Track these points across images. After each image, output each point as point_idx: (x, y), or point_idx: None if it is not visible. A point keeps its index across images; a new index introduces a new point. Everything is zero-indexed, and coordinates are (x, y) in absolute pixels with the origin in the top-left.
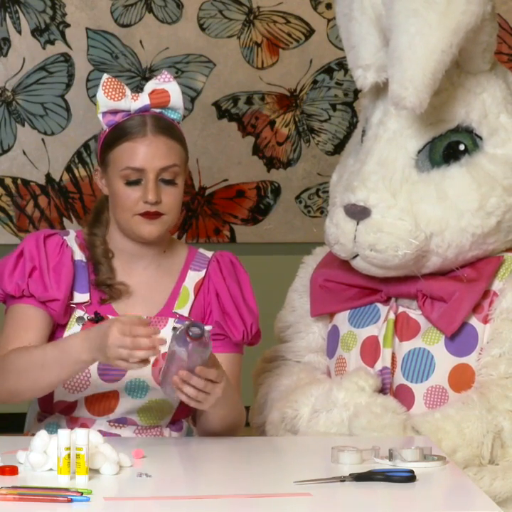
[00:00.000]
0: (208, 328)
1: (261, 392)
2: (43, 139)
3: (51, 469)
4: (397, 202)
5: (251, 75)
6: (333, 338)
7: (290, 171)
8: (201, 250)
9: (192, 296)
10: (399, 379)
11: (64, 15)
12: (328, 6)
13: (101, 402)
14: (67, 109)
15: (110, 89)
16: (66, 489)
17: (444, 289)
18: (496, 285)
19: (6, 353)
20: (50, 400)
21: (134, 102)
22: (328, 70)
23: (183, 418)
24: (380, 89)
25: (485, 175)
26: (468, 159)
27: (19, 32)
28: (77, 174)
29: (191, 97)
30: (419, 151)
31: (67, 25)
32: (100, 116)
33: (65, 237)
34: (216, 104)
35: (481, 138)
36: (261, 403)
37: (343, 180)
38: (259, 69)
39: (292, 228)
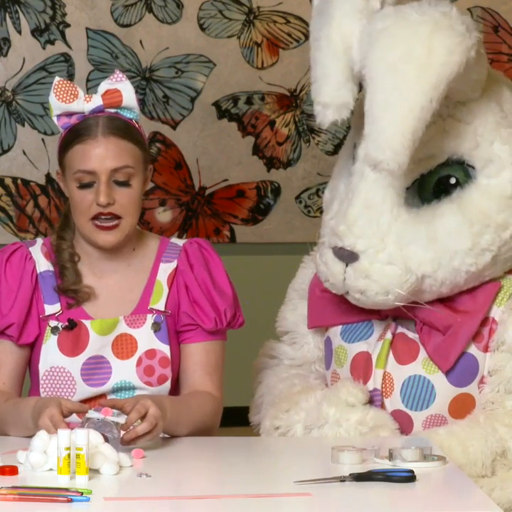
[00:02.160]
0: (112, 418)
1: (258, 392)
2: (43, 139)
3: (51, 469)
4: (385, 246)
5: (251, 75)
6: (328, 349)
7: (290, 171)
8: (173, 240)
9: (166, 289)
10: (397, 404)
11: (64, 15)
12: None
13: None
14: None
15: (61, 92)
16: (66, 489)
17: (441, 321)
18: (495, 311)
19: None
20: None
21: (87, 103)
22: None
23: None
24: None
25: (477, 212)
26: (460, 193)
27: (19, 32)
28: None
29: (191, 97)
30: (408, 188)
31: (67, 25)
32: (55, 119)
33: (30, 248)
34: (216, 104)
35: (473, 168)
36: (258, 403)
37: (328, 219)
38: (259, 69)
39: (292, 228)
